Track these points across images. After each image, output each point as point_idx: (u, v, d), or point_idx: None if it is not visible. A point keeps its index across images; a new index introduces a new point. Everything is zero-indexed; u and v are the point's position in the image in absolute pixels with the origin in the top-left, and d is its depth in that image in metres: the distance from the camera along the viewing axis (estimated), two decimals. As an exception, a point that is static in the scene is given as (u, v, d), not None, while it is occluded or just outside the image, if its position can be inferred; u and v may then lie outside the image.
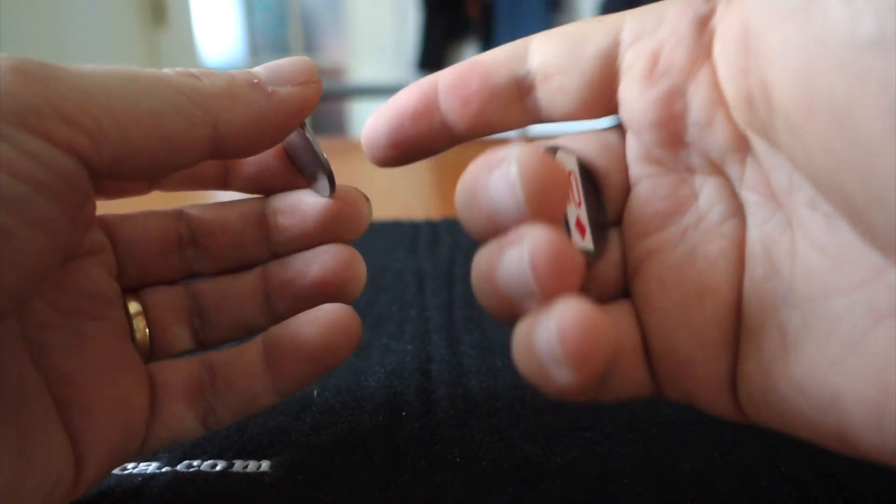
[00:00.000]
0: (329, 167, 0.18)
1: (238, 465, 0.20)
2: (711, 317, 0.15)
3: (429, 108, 0.17)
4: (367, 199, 0.20)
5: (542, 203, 0.13)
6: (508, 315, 0.14)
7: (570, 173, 0.17)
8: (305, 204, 0.19)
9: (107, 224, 0.19)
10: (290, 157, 0.19)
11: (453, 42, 2.34)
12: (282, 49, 2.75)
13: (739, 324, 0.15)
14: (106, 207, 0.19)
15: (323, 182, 0.19)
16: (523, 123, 0.18)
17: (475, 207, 0.14)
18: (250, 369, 0.18)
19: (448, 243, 0.41)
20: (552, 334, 0.12)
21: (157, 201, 0.20)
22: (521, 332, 0.13)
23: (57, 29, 1.45)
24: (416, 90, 0.18)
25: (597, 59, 0.16)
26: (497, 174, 0.14)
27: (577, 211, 0.17)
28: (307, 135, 0.18)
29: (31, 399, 0.15)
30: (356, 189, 0.19)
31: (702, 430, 0.21)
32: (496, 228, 0.14)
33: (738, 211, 0.16)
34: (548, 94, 0.17)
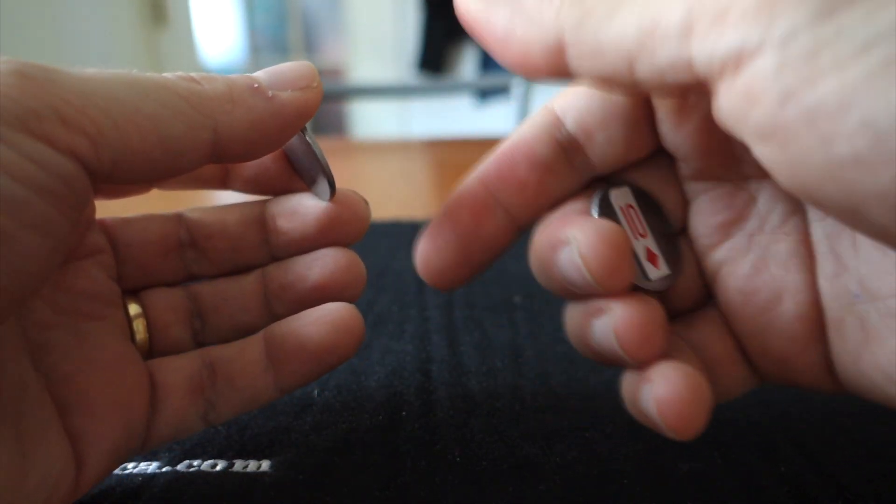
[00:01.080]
0: (330, 171, 0.18)
1: (238, 465, 0.20)
2: (794, 315, 0.16)
3: (487, 207, 0.17)
4: (367, 203, 0.20)
5: (611, 280, 0.14)
6: (607, 364, 0.16)
7: (628, 206, 0.17)
8: (305, 207, 0.19)
9: (107, 227, 0.19)
10: (290, 161, 0.19)
11: (453, 42, 2.34)
12: (282, 49, 2.75)
13: (823, 317, 0.16)
14: (106, 207, 0.19)
15: (323, 185, 0.19)
16: (580, 185, 0.17)
17: (550, 278, 0.16)
18: (251, 367, 0.18)
19: (448, 243, 0.40)
20: (652, 407, 0.14)
21: (157, 201, 0.20)
22: (627, 387, 0.15)
23: (57, 29, 1.45)
24: (462, 199, 0.17)
25: (632, 101, 0.16)
26: (563, 256, 0.15)
27: (644, 242, 0.17)
28: (308, 139, 0.18)
29: (31, 399, 0.15)
30: (356, 192, 0.19)
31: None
32: (575, 294, 0.15)
33: (797, 208, 0.16)
34: (596, 149, 0.17)
